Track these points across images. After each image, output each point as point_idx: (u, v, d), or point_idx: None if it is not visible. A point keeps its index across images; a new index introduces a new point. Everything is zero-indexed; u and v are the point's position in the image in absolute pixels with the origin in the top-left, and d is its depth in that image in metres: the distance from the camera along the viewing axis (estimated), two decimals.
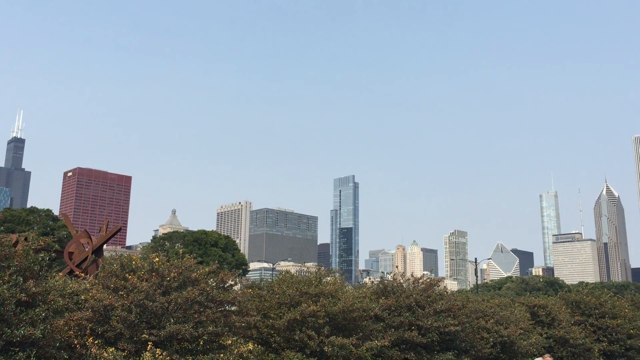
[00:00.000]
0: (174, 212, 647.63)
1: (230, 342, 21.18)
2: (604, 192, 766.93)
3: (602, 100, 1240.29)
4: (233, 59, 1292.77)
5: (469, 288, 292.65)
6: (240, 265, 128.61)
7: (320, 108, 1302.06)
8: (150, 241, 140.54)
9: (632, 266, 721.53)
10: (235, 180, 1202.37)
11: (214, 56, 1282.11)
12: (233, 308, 22.98)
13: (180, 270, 21.27)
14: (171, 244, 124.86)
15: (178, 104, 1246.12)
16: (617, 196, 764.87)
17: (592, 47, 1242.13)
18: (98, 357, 18.68)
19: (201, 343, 20.40)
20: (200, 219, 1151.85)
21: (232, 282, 23.88)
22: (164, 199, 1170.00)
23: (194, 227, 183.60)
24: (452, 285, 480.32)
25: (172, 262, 21.88)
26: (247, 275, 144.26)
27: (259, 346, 23.78)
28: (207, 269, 22.33)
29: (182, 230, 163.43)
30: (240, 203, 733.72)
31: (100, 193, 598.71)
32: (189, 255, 22.80)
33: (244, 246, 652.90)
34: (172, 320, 19.95)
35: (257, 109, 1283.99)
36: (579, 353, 39.13)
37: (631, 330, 42.17)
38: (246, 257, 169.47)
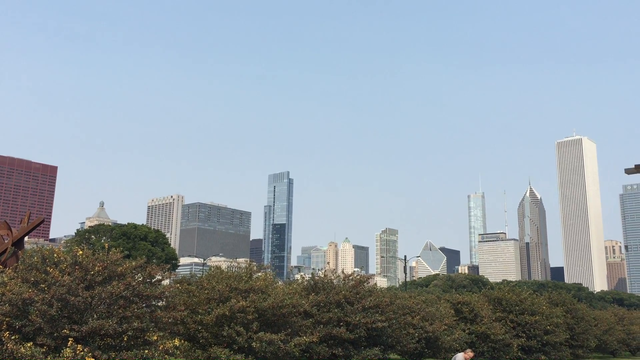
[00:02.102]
0: (101, 204, 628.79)
1: (155, 338, 20.82)
2: (528, 194, 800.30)
3: (529, 106, 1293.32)
4: (168, 50, 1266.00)
5: (398, 285, 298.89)
6: (170, 260, 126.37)
7: (256, 103, 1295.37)
8: (74, 234, 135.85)
9: (552, 265, 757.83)
10: (167, 173, 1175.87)
11: (148, 47, 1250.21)
12: (161, 303, 22.57)
13: (106, 264, 20.69)
14: (97, 237, 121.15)
15: (109, 94, 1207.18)
16: (539, 198, 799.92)
17: (522, 53, 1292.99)
18: (15, 352, 17.93)
19: (125, 339, 19.94)
20: (129, 213, 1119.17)
21: (161, 277, 23.44)
22: (91, 191, 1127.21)
23: (123, 221, 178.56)
24: (382, 282, 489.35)
25: (97, 255, 21.26)
26: (176, 270, 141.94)
27: (186, 342, 23.49)
28: (134, 263, 21.83)
29: (109, 224, 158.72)
30: (172, 197, 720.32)
31: (23, 183, 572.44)
32: (116, 249, 22.23)
33: (174, 241, 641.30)
34: (95, 316, 19.40)
35: (192, 102, 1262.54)
36: (498, 348, 40.77)
37: (548, 327, 44.31)
38: (177, 251, 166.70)
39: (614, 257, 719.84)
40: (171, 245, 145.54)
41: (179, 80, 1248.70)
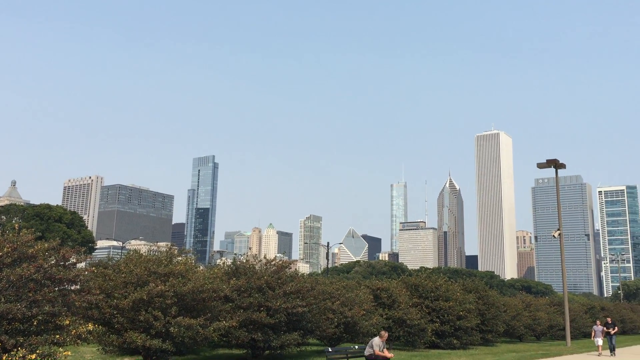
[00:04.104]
0: (13, 183, 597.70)
1: (67, 322, 20.09)
2: (447, 185, 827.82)
3: (452, 99, 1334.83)
4: (90, 25, 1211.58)
5: (320, 271, 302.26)
6: (86, 243, 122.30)
7: (183, 84, 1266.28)
8: None
9: (467, 254, 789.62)
10: (86, 153, 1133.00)
11: (68, 20, 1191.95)
12: (74, 287, 21.78)
13: (15, 246, 19.68)
14: (8, 217, 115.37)
15: (26, 68, 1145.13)
16: (458, 189, 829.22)
17: (450, 47, 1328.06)
18: None
19: (35, 323, 19.13)
20: (44, 193, 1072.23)
21: (75, 260, 22.57)
22: (3, 169, 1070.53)
23: (36, 201, 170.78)
24: (304, 268, 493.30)
25: (7, 236, 20.21)
26: (93, 254, 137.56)
27: (100, 327, 22.82)
28: (47, 245, 20.90)
29: (22, 204, 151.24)
30: (90, 177, 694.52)
31: None
32: (27, 230, 21.20)
33: (92, 223, 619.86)
34: (2, 299, 18.48)
35: (115, 81, 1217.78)
36: (414, 333, 42.19)
37: (461, 312, 46.18)
38: (94, 234, 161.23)
39: (524, 247, 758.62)
40: (88, 228, 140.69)
41: (102, 57, 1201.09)
